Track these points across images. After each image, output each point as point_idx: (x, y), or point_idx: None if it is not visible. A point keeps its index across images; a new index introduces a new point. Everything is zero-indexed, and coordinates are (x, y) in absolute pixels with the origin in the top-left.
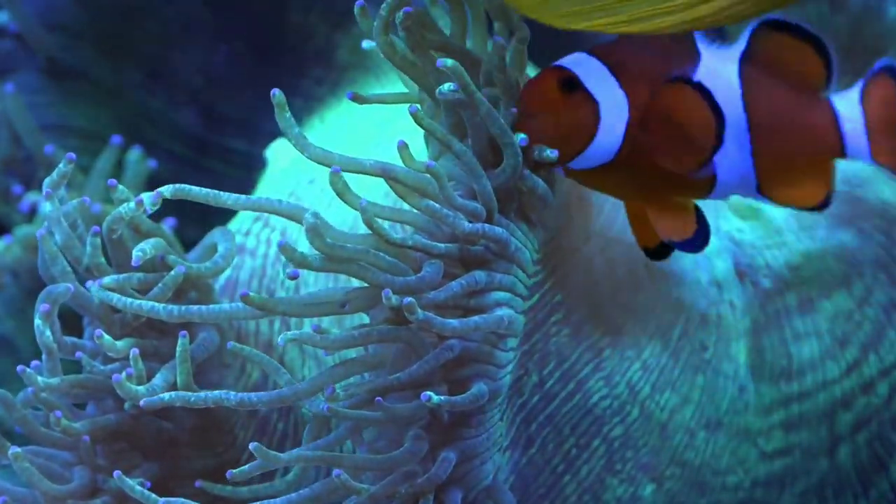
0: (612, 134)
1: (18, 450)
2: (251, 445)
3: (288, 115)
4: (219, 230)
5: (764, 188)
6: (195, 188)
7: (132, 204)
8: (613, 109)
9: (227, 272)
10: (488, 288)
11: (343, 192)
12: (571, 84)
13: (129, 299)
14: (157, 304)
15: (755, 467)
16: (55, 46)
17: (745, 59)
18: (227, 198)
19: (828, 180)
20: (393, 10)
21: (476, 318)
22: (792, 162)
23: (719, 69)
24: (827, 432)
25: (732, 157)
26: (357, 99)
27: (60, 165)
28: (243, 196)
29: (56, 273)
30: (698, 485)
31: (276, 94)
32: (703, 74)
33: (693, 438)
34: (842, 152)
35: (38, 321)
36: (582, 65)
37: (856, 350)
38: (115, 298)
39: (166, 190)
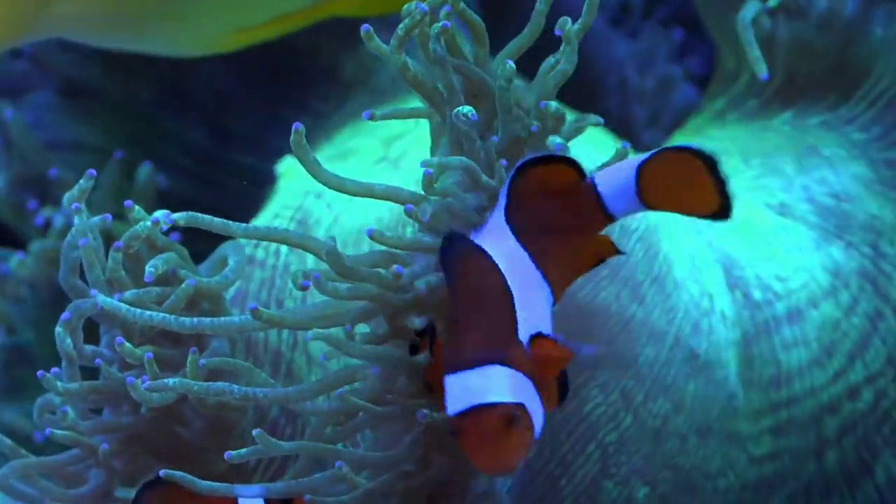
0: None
1: (33, 459)
2: (254, 432)
3: (304, 143)
4: (230, 243)
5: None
6: (207, 217)
7: (148, 222)
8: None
9: (238, 283)
10: None
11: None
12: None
13: (145, 311)
14: (169, 316)
15: (745, 471)
16: (69, 66)
17: (510, 214)
18: (235, 228)
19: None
20: (409, 30)
21: None
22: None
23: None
24: (814, 437)
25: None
26: (373, 117)
27: (81, 181)
28: (261, 227)
29: (91, 280)
30: (690, 488)
31: (298, 127)
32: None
33: (685, 444)
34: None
35: (59, 329)
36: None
37: (842, 358)
38: (125, 310)
39: (180, 217)
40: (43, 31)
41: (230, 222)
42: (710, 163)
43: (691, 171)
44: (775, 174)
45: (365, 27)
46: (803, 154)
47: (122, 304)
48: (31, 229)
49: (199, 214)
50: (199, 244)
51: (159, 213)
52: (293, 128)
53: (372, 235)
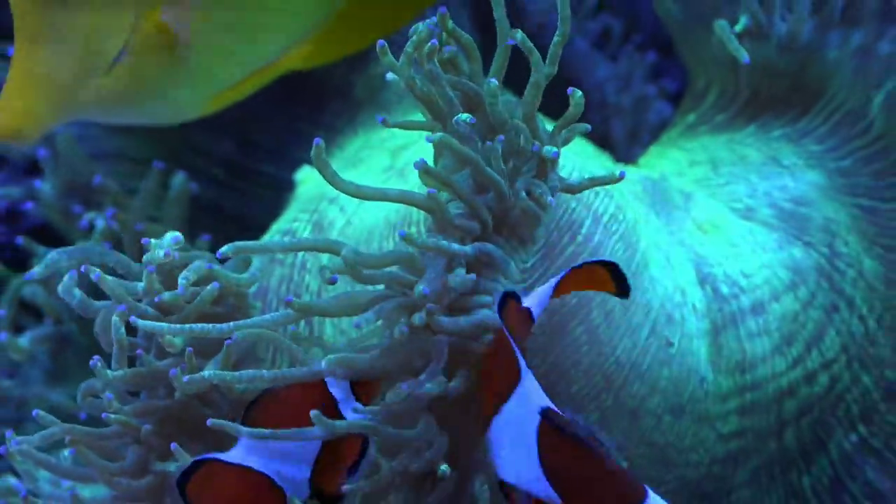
0: None
1: (80, 428)
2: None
3: (324, 156)
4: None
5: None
6: (250, 243)
7: (161, 253)
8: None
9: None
10: (474, 291)
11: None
12: None
13: (183, 325)
14: (206, 325)
15: (713, 447)
16: None
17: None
18: (274, 245)
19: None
20: (417, 47)
21: (461, 319)
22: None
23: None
24: (775, 417)
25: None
26: (386, 123)
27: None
28: (288, 240)
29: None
30: (664, 462)
31: (319, 143)
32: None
33: (660, 422)
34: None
35: (115, 318)
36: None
37: (801, 346)
38: (166, 328)
39: (228, 249)
40: (66, 118)
41: (268, 242)
42: (610, 266)
43: (598, 275)
44: (741, 181)
45: (381, 43)
46: (766, 163)
47: (161, 324)
48: (77, 231)
49: (242, 242)
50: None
51: (167, 239)
52: (314, 143)
53: (404, 237)
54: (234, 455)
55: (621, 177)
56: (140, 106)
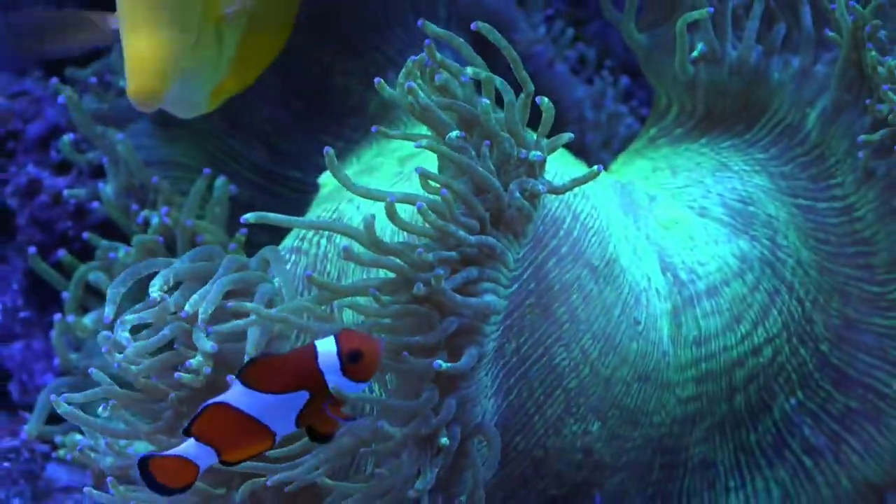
0: None
1: (119, 390)
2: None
3: (336, 163)
4: (269, 249)
5: None
6: (273, 214)
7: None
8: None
9: (287, 266)
10: (480, 279)
11: (392, 216)
12: None
13: (220, 326)
14: (238, 322)
15: (673, 409)
16: None
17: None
18: (299, 221)
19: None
20: (411, 72)
21: (471, 299)
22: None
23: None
24: (726, 384)
25: None
26: (381, 133)
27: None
28: (310, 219)
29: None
30: (632, 422)
31: (329, 151)
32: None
33: (629, 389)
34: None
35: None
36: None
37: (748, 324)
38: (203, 340)
39: (251, 216)
40: (174, 85)
41: (292, 217)
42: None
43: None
44: (696, 184)
45: (377, 80)
46: (718, 169)
47: (201, 334)
48: (135, 226)
49: (265, 213)
50: (262, 237)
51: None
52: (325, 151)
53: (420, 210)
54: (227, 396)
55: (599, 171)
56: (189, 90)
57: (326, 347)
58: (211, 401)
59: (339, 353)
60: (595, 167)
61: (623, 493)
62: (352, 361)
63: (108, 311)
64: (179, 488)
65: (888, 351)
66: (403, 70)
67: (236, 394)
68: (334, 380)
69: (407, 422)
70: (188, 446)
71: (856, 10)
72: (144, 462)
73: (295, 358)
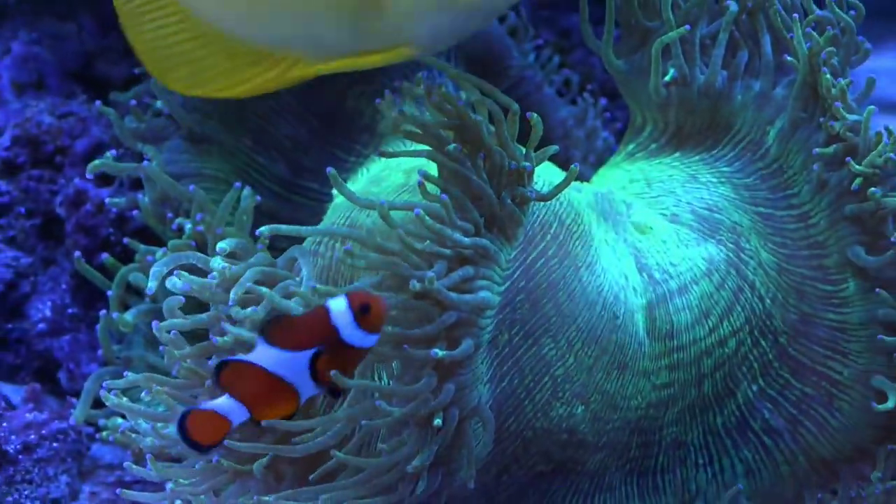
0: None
1: (162, 378)
2: None
3: (340, 180)
4: (296, 247)
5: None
6: (284, 226)
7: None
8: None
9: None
10: (475, 277)
11: (385, 218)
12: None
13: (255, 310)
14: (268, 302)
15: (649, 395)
16: (193, 122)
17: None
18: (306, 230)
19: None
20: (406, 95)
21: (467, 296)
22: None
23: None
24: (696, 372)
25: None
26: (384, 154)
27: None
28: (317, 227)
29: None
30: (612, 406)
31: (331, 171)
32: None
33: (609, 376)
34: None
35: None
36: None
37: (715, 319)
38: (246, 336)
39: (265, 230)
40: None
41: (301, 227)
42: None
43: None
44: (669, 194)
45: (377, 100)
46: (688, 181)
47: (241, 331)
48: (170, 232)
49: (278, 225)
50: (283, 241)
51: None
52: (327, 171)
53: (421, 182)
54: (253, 356)
55: (577, 169)
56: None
57: (337, 305)
58: (236, 357)
59: (350, 307)
60: (573, 165)
61: (604, 469)
62: (364, 312)
63: (152, 285)
64: (211, 444)
65: (839, 343)
66: (405, 95)
67: (261, 353)
68: (349, 332)
69: (408, 404)
70: (222, 402)
71: (812, 37)
72: (183, 417)
73: (310, 316)
